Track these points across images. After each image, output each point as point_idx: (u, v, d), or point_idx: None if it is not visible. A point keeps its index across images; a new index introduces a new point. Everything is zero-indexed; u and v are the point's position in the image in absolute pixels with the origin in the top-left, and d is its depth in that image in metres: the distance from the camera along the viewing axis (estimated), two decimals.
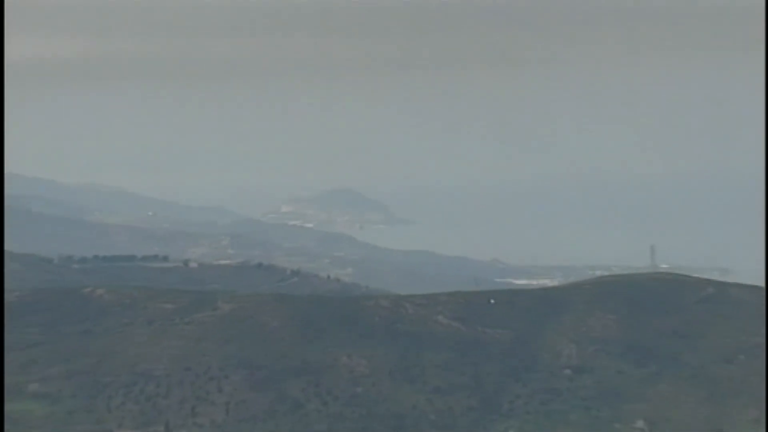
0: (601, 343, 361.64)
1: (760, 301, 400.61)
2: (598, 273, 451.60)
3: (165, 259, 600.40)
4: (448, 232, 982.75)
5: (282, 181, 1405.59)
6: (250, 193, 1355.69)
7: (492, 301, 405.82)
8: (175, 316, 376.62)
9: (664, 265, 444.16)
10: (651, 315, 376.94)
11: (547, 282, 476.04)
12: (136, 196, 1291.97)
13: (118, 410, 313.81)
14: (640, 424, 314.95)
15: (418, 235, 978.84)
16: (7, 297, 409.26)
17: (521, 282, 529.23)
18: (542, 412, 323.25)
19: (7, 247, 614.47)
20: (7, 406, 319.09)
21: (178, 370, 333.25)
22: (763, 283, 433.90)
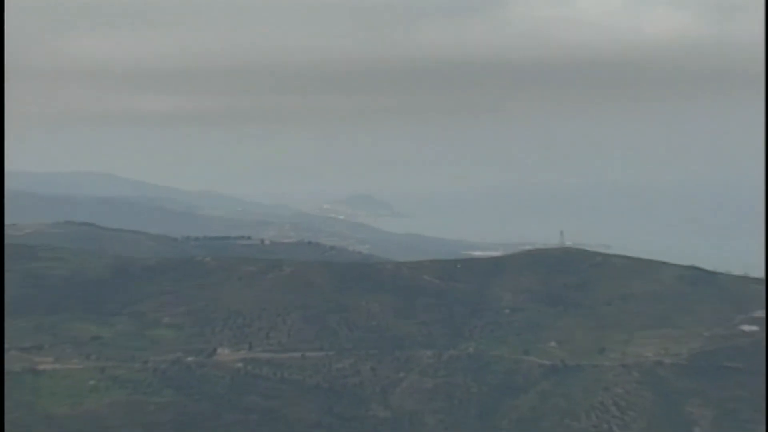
0: (527, 292, 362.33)
1: (630, 264, 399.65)
2: (526, 248, 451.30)
3: (249, 238, 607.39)
4: (432, 221, 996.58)
5: (323, 189, 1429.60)
6: (303, 196, 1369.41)
7: (458, 266, 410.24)
8: (255, 275, 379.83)
9: (569, 243, 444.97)
10: (560, 275, 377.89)
11: (494, 253, 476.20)
12: (232, 199, 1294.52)
13: (219, 335, 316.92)
14: (552, 344, 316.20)
15: (411, 224, 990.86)
16: (148, 262, 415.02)
17: (477, 253, 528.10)
18: (490, 336, 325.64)
19: (145, 230, 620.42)
20: (150, 332, 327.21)
21: (257, 310, 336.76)
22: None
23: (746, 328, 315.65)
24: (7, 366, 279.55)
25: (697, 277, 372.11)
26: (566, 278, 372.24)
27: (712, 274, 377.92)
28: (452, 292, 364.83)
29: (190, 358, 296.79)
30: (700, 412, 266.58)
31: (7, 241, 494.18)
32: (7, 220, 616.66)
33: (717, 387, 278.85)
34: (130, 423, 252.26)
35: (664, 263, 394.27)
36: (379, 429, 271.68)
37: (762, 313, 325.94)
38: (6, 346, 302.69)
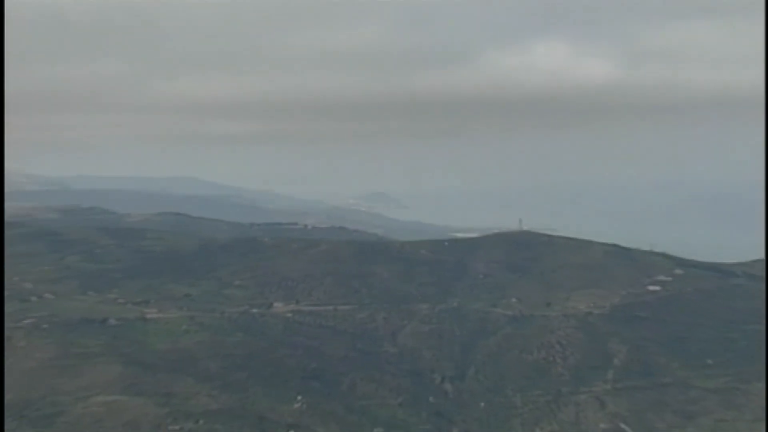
0: (495, 262, 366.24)
1: (568, 243, 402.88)
2: (495, 231, 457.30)
3: (296, 224, 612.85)
4: (427, 212, 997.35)
5: (349, 189, 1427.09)
6: (335, 194, 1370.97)
7: (446, 243, 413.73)
8: (300, 250, 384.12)
9: (525, 228, 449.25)
10: (518, 250, 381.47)
11: (472, 235, 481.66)
12: (284, 196, 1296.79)
13: (275, 293, 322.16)
14: (513, 300, 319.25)
15: (412, 214, 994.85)
16: (223, 242, 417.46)
17: (460, 235, 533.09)
18: (469, 295, 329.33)
19: (221, 218, 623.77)
20: (225, 291, 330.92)
21: (301, 276, 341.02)
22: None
23: (651, 288, 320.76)
24: (124, 314, 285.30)
25: (617, 252, 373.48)
26: (523, 253, 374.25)
27: (627, 250, 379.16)
28: (441, 262, 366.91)
29: (254, 310, 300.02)
30: (618, 347, 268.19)
31: (123, 226, 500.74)
32: (123, 211, 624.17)
33: (630, 330, 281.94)
34: (213, 355, 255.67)
35: (592, 242, 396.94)
36: (390, 360, 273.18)
37: (664, 277, 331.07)
38: (123, 300, 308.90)
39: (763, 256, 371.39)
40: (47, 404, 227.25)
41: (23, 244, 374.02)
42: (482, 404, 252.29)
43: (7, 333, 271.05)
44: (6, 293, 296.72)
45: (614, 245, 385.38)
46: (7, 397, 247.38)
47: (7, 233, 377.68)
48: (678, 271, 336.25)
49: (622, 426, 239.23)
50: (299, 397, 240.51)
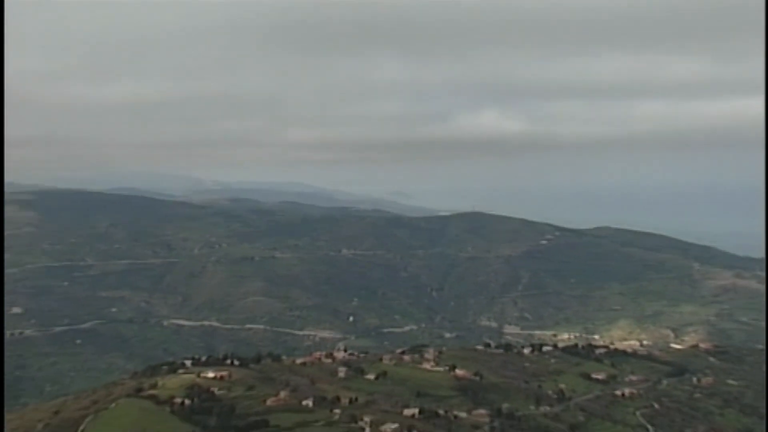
0: (461, 228, 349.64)
1: (501, 218, 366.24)
2: (460, 211, 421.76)
3: (350, 207, 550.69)
4: (425, 202, 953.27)
5: (383, 188, 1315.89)
6: (376, 191, 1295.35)
7: (433, 218, 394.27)
8: (356, 221, 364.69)
9: (477, 209, 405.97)
10: (473, 222, 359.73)
11: (447, 213, 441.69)
12: (344, 192, 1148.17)
13: (341, 245, 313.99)
14: (469, 249, 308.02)
15: (418, 202, 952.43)
16: (327, 217, 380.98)
17: (442, 213, 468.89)
18: (446, 246, 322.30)
19: (314, 203, 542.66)
20: (317, 243, 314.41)
21: (357, 234, 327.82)
22: None
23: (542, 242, 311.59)
24: (263, 255, 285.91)
25: (525, 223, 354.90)
26: (476, 224, 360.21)
27: (531, 222, 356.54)
28: (432, 228, 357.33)
29: (331, 253, 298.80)
30: (524, 273, 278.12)
31: (262, 208, 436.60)
32: (262, 200, 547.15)
33: (531, 264, 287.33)
34: (309, 276, 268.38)
35: (513, 218, 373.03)
36: (403, 280, 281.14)
37: (550, 236, 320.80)
38: (262, 247, 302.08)
39: None
40: (223, 301, 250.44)
41: (211, 218, 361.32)
42: (452, 303, 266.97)
43: (201, 265, 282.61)
44: (200, 244, 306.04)
45: (522, 219, 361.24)
46: (200, 299, 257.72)
47: (202, 213, 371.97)
48: (557, 233, 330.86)
49: (525, 315, 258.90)
50: (354, 299, 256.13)
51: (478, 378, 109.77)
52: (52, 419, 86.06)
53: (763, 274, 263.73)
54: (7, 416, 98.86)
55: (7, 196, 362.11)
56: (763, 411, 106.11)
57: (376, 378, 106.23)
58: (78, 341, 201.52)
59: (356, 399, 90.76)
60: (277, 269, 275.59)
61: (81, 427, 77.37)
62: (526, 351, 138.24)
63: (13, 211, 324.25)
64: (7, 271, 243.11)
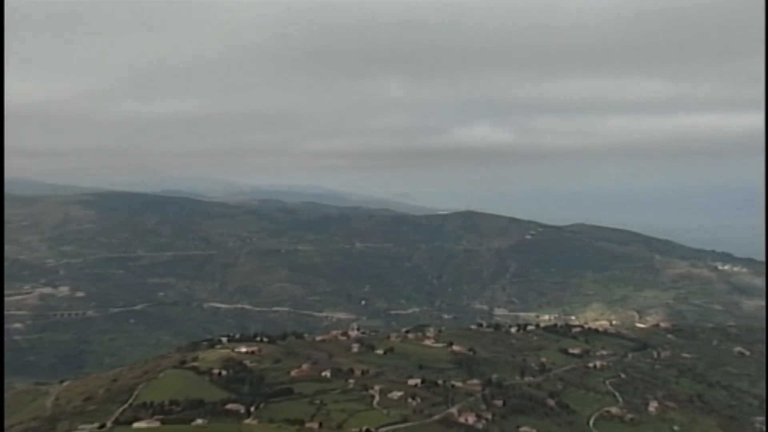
0: (457, 225, 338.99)
1: (491, 217, 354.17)
2: (458, 210, 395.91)
3: (359, 207, 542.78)
4: (428, 203, 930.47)
5: (390, 190, 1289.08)
6: (384, 192, 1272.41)
7: (433, 216, 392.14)
8: (366, 218, 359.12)
9: (471, 208, 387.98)
10: (468, 219, 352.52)
11: (446, 212, 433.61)
12: (354, 194, 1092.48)
13: (354, 239, 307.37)
14: (465, 242, 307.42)
15: (421, 203, 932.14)
16: (342, 216, 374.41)
17: (442, 212, 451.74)
18: (445, 240, 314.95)
19: (330, 203, 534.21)
20: (333, 237, 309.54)
21: (368, 230, 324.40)
22: None
23: (527, 237, 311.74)
24: (286, 247, 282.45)
25: (512, 220, 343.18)
26: (470, 221, 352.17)
27: (518, 221, 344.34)
28: (433, 225, 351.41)
29: (346, 246, 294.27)
30: (512, 264, 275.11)
31: (286, 207, 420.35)
32: (286, 201, 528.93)
33: (518, 255, 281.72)
34: (328, 266, 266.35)
35: (500, 216, 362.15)
36: (407, 269, 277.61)
37: (533, 232, 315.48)
38: (287, 240, 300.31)
39: None
40: (253, 287, 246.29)
41: (243, 216, 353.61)
42: (450, 289, 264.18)
43: (235, 256, 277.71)
44: (234, 238, 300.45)
45: (511, 218, 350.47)
46: (234, 285, 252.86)
47: (235, 212, 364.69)
48: (539, 229, 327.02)
49: (513, 299, 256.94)
50: (366, 286, 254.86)
51: (471, 353, 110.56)
52: (111, 386, 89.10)
53: (714, 263, 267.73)
54: (73, 383, 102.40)
55: (71, 198, 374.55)
56: (712, 379, 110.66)
57: (385, 353, 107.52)
58: (131, 321, 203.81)
59: (368, 371, 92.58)
60: (300, 260, 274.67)
61: (135, 393, 79.72)
62: (513, 330, 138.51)
63: (76, 210, 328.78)
64: (72, 261, 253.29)
